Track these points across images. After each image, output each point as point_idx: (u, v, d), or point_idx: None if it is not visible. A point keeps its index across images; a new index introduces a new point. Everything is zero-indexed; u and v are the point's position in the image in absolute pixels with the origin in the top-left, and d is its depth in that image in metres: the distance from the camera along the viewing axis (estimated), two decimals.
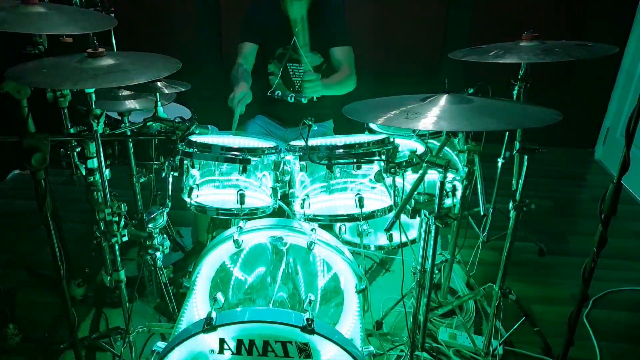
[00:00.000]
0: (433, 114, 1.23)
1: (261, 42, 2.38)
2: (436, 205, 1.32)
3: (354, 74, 2.37)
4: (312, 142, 1.61)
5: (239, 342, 1.26)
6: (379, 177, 1.56)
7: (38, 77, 1.28)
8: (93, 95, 1.36)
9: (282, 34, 2.30)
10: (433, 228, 1.36)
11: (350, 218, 1.58)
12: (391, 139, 1.60)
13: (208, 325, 1.22)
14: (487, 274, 2.27)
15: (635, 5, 3.49)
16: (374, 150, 1.54)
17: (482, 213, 1.63)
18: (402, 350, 1.86)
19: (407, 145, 1.83)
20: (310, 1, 2.25)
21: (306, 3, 2.24)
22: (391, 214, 1.62)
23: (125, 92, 1.85)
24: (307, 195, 1.61)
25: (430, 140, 1.90)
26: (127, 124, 1.80)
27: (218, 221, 2.44)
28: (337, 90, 2.33)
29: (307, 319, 1.23)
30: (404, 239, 1.78)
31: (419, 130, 1.86)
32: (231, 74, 2.31)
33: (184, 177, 1.66)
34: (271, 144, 1.67)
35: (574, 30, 3.55)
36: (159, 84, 1.75)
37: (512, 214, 1.66)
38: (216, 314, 1.25)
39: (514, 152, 1.61)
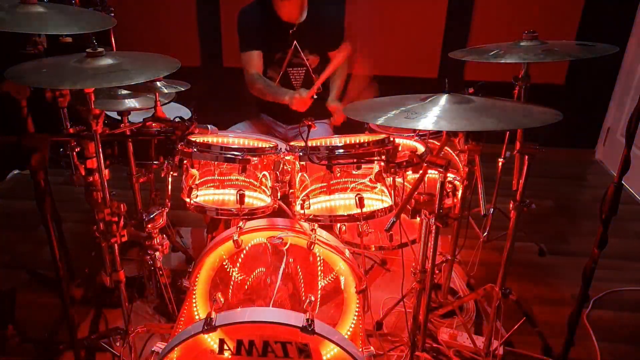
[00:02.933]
0: (433, 114, 1.23)
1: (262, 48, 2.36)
2: (436, 205, 1.32)
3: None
4: (312, 142, 1.61)
5: (239, 343, 1.26)
6: (379, 177, 1.56)
7: (38, 77, 1.28)
8: (92, 95, 1.36)
9: (279, 39, 2.30)
10: (433, 228, 1.36)
11: (350, 218, 1.58)
12: (391, 139, 1.60)
13: (208, 326, 1.22)
14: (487, 274, 2.26)
15: (635, 5, 3.49)
16: (374, 150, 1.54)
17: (482, 213, 1.63)
18: (402, 351, 1.86)
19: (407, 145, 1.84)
20: (303, 2, 2.26)
21: (297, 4, 2.24)
22: (391, 214, 1.61)
23: (125, 92, 1.85)
24: (307, 195, 1.60)
25: (430, 140, 1.90)
26: (127, 124, 1.80)
27: (218, 221, 2.44)
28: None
29: (307, 319, 1.22)
30: (404, 239, 1.79)
31: (419, 130, 1.87)
32: (257, 86, 2.32)
33: (184, 177, 1.66)
34: (271, 144, 1.67)
35: (574, 30, 3.55)
36: (158, 83, 1.75)
37: (512, 214, 1.66)
38: (216, 314, 1.25)
39: (514, 152, 1.61)
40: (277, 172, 1.62)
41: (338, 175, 1.57)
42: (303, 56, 2.30)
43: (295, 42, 2.27)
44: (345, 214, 1.58)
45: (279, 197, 1.65)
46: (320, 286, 1.56)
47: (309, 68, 2.34)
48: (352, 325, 1.52)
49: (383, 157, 1.54)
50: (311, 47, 2.30)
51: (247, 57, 2.32)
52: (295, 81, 2.40)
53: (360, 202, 1.54)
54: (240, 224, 1.60)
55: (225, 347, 1.26)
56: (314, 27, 2.26)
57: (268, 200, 1.64)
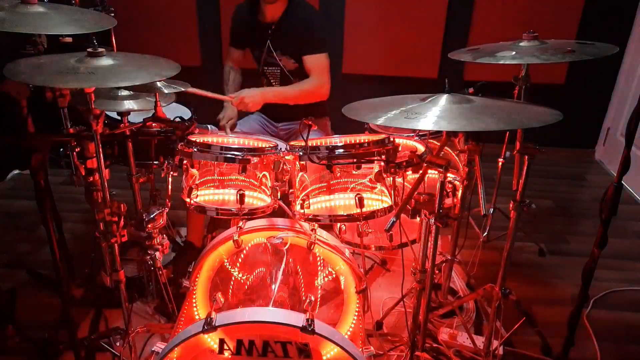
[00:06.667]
0: (433, 114, 1.23)
1: (245, 46, 2.54)
2: (436, 205, 1.32)
3: (325, 83, 2.36)
4: (312, 142, 1.61)
5: (239, 343, 1.26)
6: (379, 177, 1.56)
7: (36, 75, 1.28)
8: (92, 95, 1.36)
9: (258, 37, 2.39)
10: (433, 228, 1.36)
11: (350, 218, 1.58)
12: (391, 139, 1.60)
13: (208, 326, 1.22)
14: (487, 274, 2.26)
15: (635, 5, 3.49)
16: (374, 150, 1.54)
17: (482, 213, 1.63)
18: (402, 351, 1.86)
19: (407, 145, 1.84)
20: (285, 5, 2.30)
21: (280, 6, 2.29)
22: (391, 214, 1.61)
23: (125, 92, 1.85)
24: (307, 195, 1.61)
25: (430, 140, 1.90)
26: (127, 124, 1.80)
27: (218, 221, 2.44)
28: (296, 99, 2.35)
29: (307, 319, 1.23)
30: (404, 239, 1.79)
31: (419, 130, 1.87)
32: (224, 73, 2.59)
33: (184, 177, 1.66)
34: (271, 143, 1.67)
35: (574, 30, 3.55)
36: (158, 83, 1.75)
37: (512, 214, 1.66)
38: (216, 314, 1.25)
39: (514, 152, 1.61)
40: (277, 172, 1.63)
41: (338, 175, 1.57)
42: (275, 56, 2.36)
43: (268, 42, 2.34)
44: (345, 214, 1.58)
45: (279, 197, 1.66)
46: (320, 286, 1.56)
47: (283, 69, 2.39)
48: (352, 325, 1.52)
49: (383, 157, 1.54)
50: (283, 48, 2.35)
51: (229, 51, 2.60)
52: (273, 79, 2.46)
53: (360, 202, 1.54)
54: (240, 224, 1.60)
55: (225, 347, 1.26)
56: (287, 31, 2.31)
57: (268, 200, 1.64)
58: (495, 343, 1.83)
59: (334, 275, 1.60)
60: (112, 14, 1.82)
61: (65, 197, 2.72)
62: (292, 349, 1.25)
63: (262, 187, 1.63)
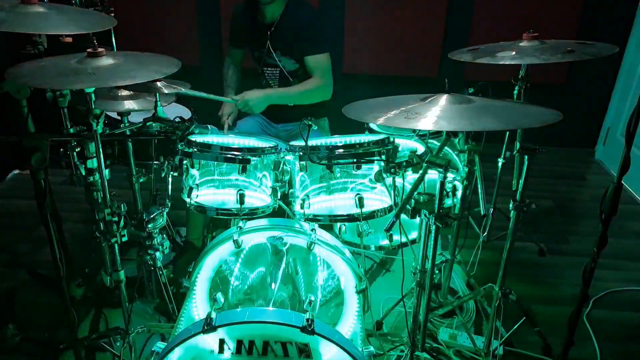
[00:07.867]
0: (433, 114, 1.23)
1: (245, 46, 2.56)
2: (436, 205, 1.32)
3: (328, 83, 2.37)
4: (312, 142, 1.61)
5: (239, 343, 1.26)
6: (379, 177, 1.56)
7: (37, 77, 1.28)
8: (93, 95, 1.36)
9: (257, 38, 2.38)
10: (433, 228, 1.36)
11: (350, 218, 1.58)
12: (391, 139, 1.60)
13: (208, 326, 1.22)
14: (487, 274, 2.26)
15: (635, 5, 3.49)
16: (374, 150, 1.54)
17: (482, 213, 1.63)
18: (402, 351, 1.86)
19: (407, 145, 1.84)
20: (283, 5, 2.29)
21: (278, 6, 2.28)
22: (391, 214, 1.61)
23: (125, 92, 1.85)
24: (307, 195, 1.61)
25: (430, 140, 1.90)
26: (127, 124, 1.80)
27: (218, 221, 2.45)
28: (299, 99, 2.36)
29: (307, 319, 1.23)
30: (404, 239, 1.79)
31: (419, 130, 1.87)
32: (223, 70, 2.60)
33: (184, 177, 1.66)
34: (271, 143, 1.67)
35: (574, 30, 3.55)
36: (158, 84, 1.75)
37: (512, 214, 1.66)
38: (216, 314, 1.25)
39: (514, 152, 1.61)
40: (277, 172, 1.62)
41: (338, 175, 1.57)
42: (275, 57, 2.35)
43: (268, 42, 2.33)
44: (345, 214, 1.58)
45: (279, 197, 1.65)
46: (320, 286, 1.56)
47: (283, 69, 2.38)
48: (352, 325, 1.52)
49: (383, 157, 1.54)
50: (283, 49, 2.35)
51: (229, 49, 2.62)
52: (272, 80, 2.46)
53: (360, 202, 1.54)
54: (241, 223, 1.60)
55: (225, 347, 1.26)
56: (287, 31, 2.31)
57: (268, 200, 1.64)
58: (495, 343, 1.84)
59: (334, 275, 1.60)
60: (112, 14, 1.81)
61: (65, 197, 2.72)
62: (292, 349, 1.25)
63: (262, 187, 1.63)
